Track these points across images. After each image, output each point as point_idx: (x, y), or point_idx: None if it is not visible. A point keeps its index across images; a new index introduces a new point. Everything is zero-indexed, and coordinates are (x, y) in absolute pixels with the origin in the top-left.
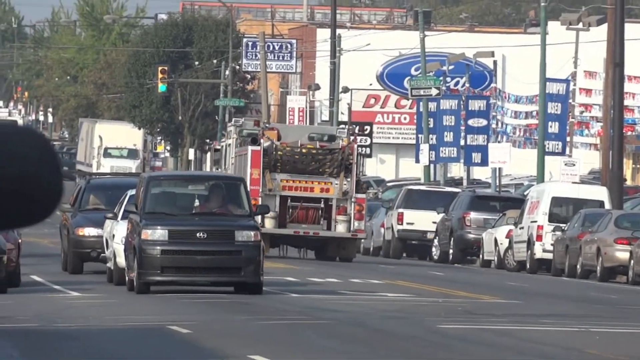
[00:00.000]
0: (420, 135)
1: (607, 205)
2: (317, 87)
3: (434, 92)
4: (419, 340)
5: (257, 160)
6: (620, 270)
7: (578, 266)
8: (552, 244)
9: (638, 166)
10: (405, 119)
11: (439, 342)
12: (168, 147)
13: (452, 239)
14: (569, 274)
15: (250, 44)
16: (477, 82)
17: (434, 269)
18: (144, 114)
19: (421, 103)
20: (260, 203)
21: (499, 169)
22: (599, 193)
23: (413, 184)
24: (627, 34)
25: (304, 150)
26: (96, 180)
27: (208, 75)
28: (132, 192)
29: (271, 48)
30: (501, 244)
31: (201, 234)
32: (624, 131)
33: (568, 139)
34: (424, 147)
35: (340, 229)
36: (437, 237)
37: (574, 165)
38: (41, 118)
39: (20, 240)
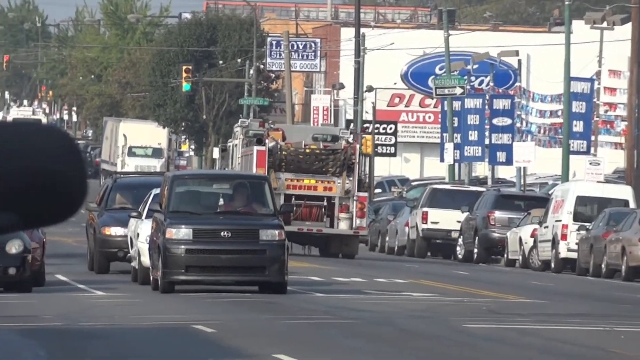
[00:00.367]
0: (444, 134)
1: (632, 204)
2: (342, 86)
3: (458, 91)
4: (444, 339)
5: (263, 160)
6: None
7: (603, 265)
8: (576, 243)
9: None
10: (429, 118)
11: (464, 341)
12: (192, 146)
13: (477, 238)
14: (594, 273)
15: (274, 43)
16: (502, 81)
17: (458, 268)
18: (168, 112)
19: (445, 102)
20: None
21: (524, 168)
22: (624, 192)
23: (438, 183)
24: None
25: (307, 151)
26: (123, 179)
27: (232, 74)
28: (156, 191)
29: (295, 47)
30: (526, 243)
31: (225, 233)
32: None
33: (592, 138)
34: (449, 146)
35: (342, 226)
36: (461, 236)
37: (599, 164)
38: (65, 117)
39: (44, 239)
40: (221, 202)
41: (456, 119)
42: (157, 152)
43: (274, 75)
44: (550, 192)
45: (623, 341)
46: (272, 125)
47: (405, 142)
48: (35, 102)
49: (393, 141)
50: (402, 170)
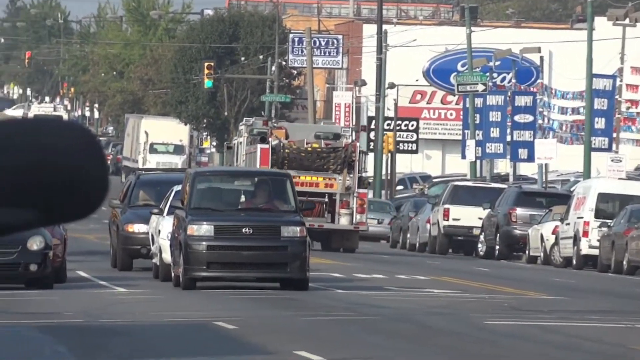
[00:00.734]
0: (466, 131)
1: None
2: (364, 83)
3: (480, 88)
4: (465, 336)
5: (266, 158)
6: None
7: (624, 262)
8: (598, 240)
9: None
10: (451, 114)
11: (485, 338)
12: (214, 143)
13: (498, 234)
14: (615, 270)
15: (296, 39)
16: (524, 78)
17: (479, 264)
18: (190, 109)
19: (467, 99)
20: None
21: (545, 165)
22: None
23: (459, 180)
24: None
25: (309, 148)
26: (146, 176)
27: (254, 71)
28: (177, 187)
29: (317, 44)
30: (547, 240)
31: (247, 229)
32: None
33: (614, 135)
34: (470, 143)
35: (343, 221)
36: (483, 233)
37: (620, 161)
38: (87, 114)
39: (66, 236)
40: (243, 198)
41: (478, 115)
42: (178, 149)
43: (295, 72)
44: (571, 189)
45: None
46: (275, 124)
47: (426, 139)
48: (57, 99)
49: (415, 138)
50: (424, 167)
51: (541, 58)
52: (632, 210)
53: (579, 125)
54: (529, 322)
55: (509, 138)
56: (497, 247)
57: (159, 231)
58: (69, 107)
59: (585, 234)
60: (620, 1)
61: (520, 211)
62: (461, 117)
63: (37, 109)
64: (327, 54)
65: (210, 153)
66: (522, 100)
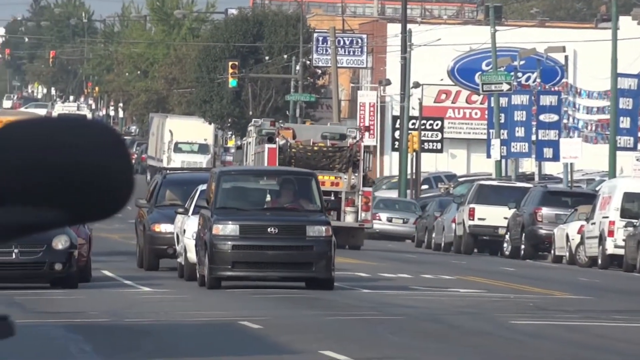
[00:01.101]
0: (491, 131)
1: None
2: (388, 82)
3: (505, 87)
4: (491, 336)
5: (273, 157)
6: None
7: None
8: (623, 240)
9: None
10: (476, 114)
11: (510, 337)
12: (238, 142)
13: (524, 234)
14: None
15: (320, 39)
16: (548, 77)
17: (505, 264)
18: (214, 108)
19: (492, 98)
20: None
21: (571, 164)
22: None
23: (484, 179)
24: None
25: (315, 148)
26: (172, 176)
27: (279, 70)
28: (202, 187)
29: (342, 43)
30: (573, 239)
31: (272, 229)
32: None
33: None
34: (495, 142)
35: (349, 219)
36: (508, 233)
37: None
38: (111, 113)
39: (90, 235)
40: (268, 198)
41: (503, 115)
42: (203, 148)
43: (320, 71)
44: (597, 189)
45: None
46: (282, 125)
47: (451, 138)
48: (82, 98)
49: (439, 137)
50: (449, 167)
51: (566, 57)
52: None
53: (604, 125)
54: (555, 321)
55: (534, 137)
56: (523, 246)
57: (184, 230)
58: (93, 107)
59: (611, 233)
60: None
61: (545, 211)
62: (486, 116)
63: (61, 108)
64: (351, 53)
65: (235, 152)
66: (547, 100)
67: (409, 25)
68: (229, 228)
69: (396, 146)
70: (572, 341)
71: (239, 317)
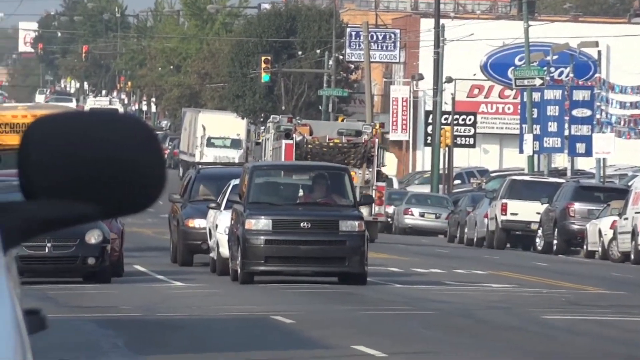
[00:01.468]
0: (524, 126)
1: None
2: (421, 77)
3: (537, 82)
4: (523, 331)
5: (290, 152)
6: None
7: None
8: None
9: None
10: (509, 109)
11: (542, 332)
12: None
13: (556, 229)
14: None
15: (353, 33)
16: (581, 72)
17: (537, 259)
18: (247, 103)
19: (525, 93)
20: None
21: (603, 159)
22: None
23: (517, 175)
24: None
25: (331, 144)
26: (206, 170)
27: (311, 65)
28: (235, 182)
29: (375, 38)
30: (605, 234)
31: (305, 223)
32: None
33: None
34: (528, 138)
35: (363, 213)
36: (541, 228)
37: None
38: (144, 108)
39: (123, 230)
40: (301, 193)
41: (535, 110)
42: (235, 143)
43: (353, 66)
44: (630, 184)
45: None
46: (299, 121)
47: (484, 133)
48: (114, 93)
49: (472, 132)
50: (481, 162)
51: (599, 52)
52: None
53: (637, 120)
54: (587, 316)
55: (566, 132)
56: (555, 241)
57: (216, 225)
58: (125, 101)
59: None
60: None
61: (578, 206)
62: (519, 111)
63: (93, 103)
64: (384, 48)
65: (255, 148)
66: (579, 95)
67: (442, 20)
68: (262, 223)
69: (428, 141)
70: (604, 336)
71: (271, 312)
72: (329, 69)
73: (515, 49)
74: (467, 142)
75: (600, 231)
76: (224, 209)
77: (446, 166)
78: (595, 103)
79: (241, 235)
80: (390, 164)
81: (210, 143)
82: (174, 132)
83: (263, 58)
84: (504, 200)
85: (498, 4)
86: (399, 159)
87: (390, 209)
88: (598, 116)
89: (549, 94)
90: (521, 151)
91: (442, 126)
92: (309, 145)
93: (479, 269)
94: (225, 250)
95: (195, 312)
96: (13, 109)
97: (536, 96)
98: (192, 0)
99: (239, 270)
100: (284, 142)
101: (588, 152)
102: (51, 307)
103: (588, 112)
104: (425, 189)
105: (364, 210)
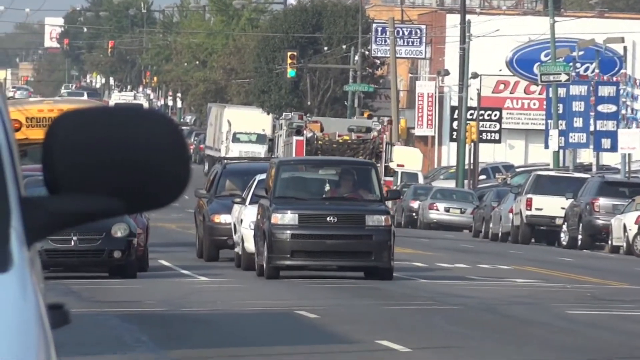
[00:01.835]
0: (549, 121)
1: None
2: (447, 73)
3: (563, 77)
4: (548, 326)
5: (301, 149)
6: None
7: None
8: None
9: None
10: (534, 104)
11: (567, 327)
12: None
13: (581, 224)
14: None
15: (379, 29)
16: (607, 68)
17: (562, 254)
18: (272, 99)
19: (550, 89)
20: None
21: (629, 154)
22: None
23: (542, 170)
24: None
25: (340, 140)
26: (232, 165)
27: (337, 61)
28: (260, 176)
29: (400, 34)
30: (630, 229)
31: (331, 218)
32: None
33: None
34: (553, 133)
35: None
36: (565, 223)
37: None
38: (170, 103)
39: (148, 225)
40: (327, 187)
41: (561, 105)
42: (261, 138)
43: (379, 62)
44: None
45: None
46: (310, 118)
47: (509, 129)
48: (140, 88)
49: (497, 128)
50: (507, 157)
51: (625, 48)
52: None
53: None
54: (612, 312)
55: (592, 128)
56: (580, 237)
57: (241, 220)
58: (151, 96)
59: None
60: None
61: (603, 201)
62: (544, 107)
63: (118, 98)
64: (410, 43)
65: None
66: (605, 91)
67: (468, 16)
68: (288, 217)
69: (454, 136)
70: (629, 331)
71: (296, 306)
72: (354, 65)
73: (541, 44)
74: (492, 138)
75: (625, 226)
76: (249, 203)
77: (471, 161)
78: (621, 99)
79: (267, 229)
80: (415, 159)
81: (235, 138)
82: (199, 127)
83: (289, 54)
84: (529, 196)
85: (524, 0)
86: (425, 154)
87: (415, 204)
88: (623, 112)
89: (575, 90)
90: (546, 146)
91: (468, 122)
92: (319, 142)
93: (503, 264)
94: (250, 245)
95: (219, 306)
96: (39, 103)
97: (562, 92)
98: None
99: (265, 264)
100: (294, 138)
101: (613, 148)
102: (75, 302)
103: (613, 108)
104: (451, 184)
105: None
